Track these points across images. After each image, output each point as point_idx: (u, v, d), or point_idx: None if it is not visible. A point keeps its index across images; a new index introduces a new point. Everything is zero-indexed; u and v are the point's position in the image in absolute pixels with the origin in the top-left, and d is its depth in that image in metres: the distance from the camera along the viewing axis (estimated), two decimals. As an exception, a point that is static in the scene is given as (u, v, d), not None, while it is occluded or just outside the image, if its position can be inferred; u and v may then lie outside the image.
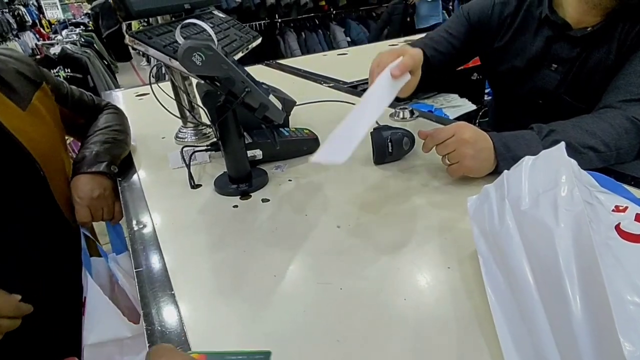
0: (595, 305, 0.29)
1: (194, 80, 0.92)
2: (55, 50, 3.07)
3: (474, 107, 1.78)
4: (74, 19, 5.40)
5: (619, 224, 0.37)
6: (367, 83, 1.40)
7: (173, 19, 0.81)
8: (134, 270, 0.53)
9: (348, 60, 1.84)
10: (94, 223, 0.81)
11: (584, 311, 0.30)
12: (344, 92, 1.26)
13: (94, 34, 4.62)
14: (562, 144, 0.44)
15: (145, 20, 0.83)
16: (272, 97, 0.65)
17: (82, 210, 0.75)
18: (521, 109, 0.94)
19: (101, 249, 0.78)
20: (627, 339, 0.25)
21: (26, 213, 0.72)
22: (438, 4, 3.79)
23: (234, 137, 0.69)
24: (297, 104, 0.92)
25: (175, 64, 0.67)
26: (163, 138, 1.02)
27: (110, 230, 0.80)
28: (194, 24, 0.68)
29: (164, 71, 1.54)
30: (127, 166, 0.87)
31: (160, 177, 0.81)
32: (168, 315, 0.46)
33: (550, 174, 0.41)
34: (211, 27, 0.64)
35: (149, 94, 1.51)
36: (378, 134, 0.75)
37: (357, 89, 1.35)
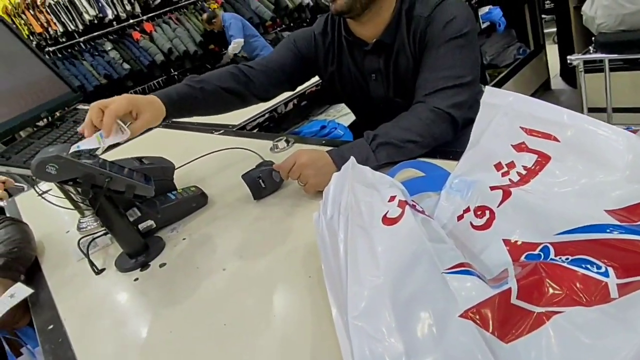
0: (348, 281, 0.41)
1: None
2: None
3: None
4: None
5: (387, 212, 0.50)
6: (254, 120, 1.52)
7: (35, 129, 0.87)
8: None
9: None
10: None
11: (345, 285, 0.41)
12: (234, 136, 1.36)
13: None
14: (352, 160, 0.57)
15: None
16: (137, 176, 0.73)
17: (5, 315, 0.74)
18: (372, 115, 1.10)
19: (27, 344, 0.81)
20: (353, 307, 0.37)
21: None
22: None
23: (115, 219, 0.76)
24: (177, 167, 1.01)
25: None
26: (67, 232, 1.06)
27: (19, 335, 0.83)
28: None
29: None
30: (33, 271, 0.90)
31: (65, 273, 0.86)
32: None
33: (341, 186, 0.54)
34: (74, 124, 0.72)
35: (51, 189, 1.52)
36: (248, 175, 0.86)
37: (246, 129, 1.46)
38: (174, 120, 1.92)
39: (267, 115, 1.56)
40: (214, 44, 4.25)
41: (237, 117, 1.56)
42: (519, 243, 0.40)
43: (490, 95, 0.50)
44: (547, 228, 0.39)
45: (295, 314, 0.54)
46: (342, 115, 1.93)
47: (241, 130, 1.43)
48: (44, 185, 1.03)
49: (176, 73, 4.13)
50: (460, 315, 0.28)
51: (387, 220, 0.48)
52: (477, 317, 0.28)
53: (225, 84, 0.95)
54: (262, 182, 0.86)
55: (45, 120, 0.89)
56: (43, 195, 0.92)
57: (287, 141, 1.12)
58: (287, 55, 1.04)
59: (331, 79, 1.08)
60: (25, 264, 0.88)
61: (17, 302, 0.72)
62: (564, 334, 0.27)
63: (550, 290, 0.27)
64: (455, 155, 0.80)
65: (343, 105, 2.02)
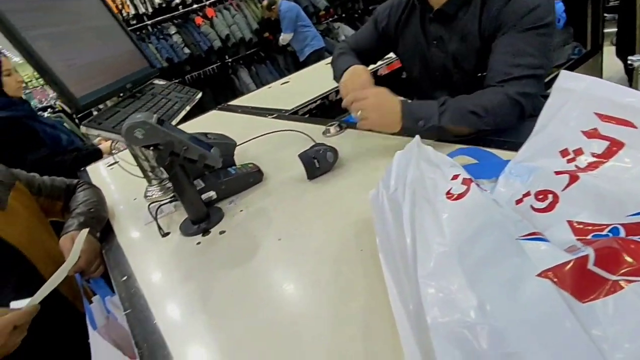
0: (414, 255, 0.43)
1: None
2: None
3: (411, 102, 1.95)
4: (40, 104, 5.49)
5: (450, 189, 0.51)
6: (306, 106, 1.57)
7: (119, 98, 0.95)
8: (123, 313, 0.66)
9: (289, 88, 2.01)
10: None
11: (410, 258, 0.43)
12: (285, 120, 1.41)
13: (62, 114, 4.74)
14: (417, 138, 0.59)
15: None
16: (212, 149, 0.79)
17: (81, 259, 0.82)
18: (428, 88, 1.13)
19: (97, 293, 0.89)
20: (422, 267, 0.39)
21: (14, 292, 0.83)
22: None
23: (186, 186, 0.82)
24: (237, 144, 1.06)
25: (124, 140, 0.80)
26: (135, 199, 1.15)
27: (92, 285, 0.91)
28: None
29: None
30: (106, 231, 1.00)
31: (135, 234, 0.94)
32: (154, 339, 0.58)
33: (406, 161, 0.56)
34: (152, 97, 0.79)
35: (117, 162, 1.65)
36: (304, 154, 0.90)
37: (298, 113, 1.50)
38: (229, 103, 2.02)
39: (318, 102, 1.60)
40: (269, 31, 4.34)
41: (289, 102, 1.61)
42: (585, 223, 0.41)
43: (565, 79, 0.50)
44: (618, 210, 0.39)
45: (348, 283, 0.57)
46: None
47: (293, 115, 1.47)
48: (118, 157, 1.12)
49: (230, 60, 4.27)
50: (538, 275, 0.30)
51: (452, 196, 0.50)
52: (555, 277, 0.29)
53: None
54: (317, 162, 0.90)
55: (127, 92, 0.97)
56: (118, 163, 1.01)
57: (340, 126, 1.15)
58: (371, 34, 1.19)
59: (396, 43, 1.14)
60: (100, 224, 0.98)
61: (81, 241, 0.79)
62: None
63: (628, 260, 0.28)
64: (510, 145, 0.80)
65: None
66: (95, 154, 1.70)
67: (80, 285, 0.87)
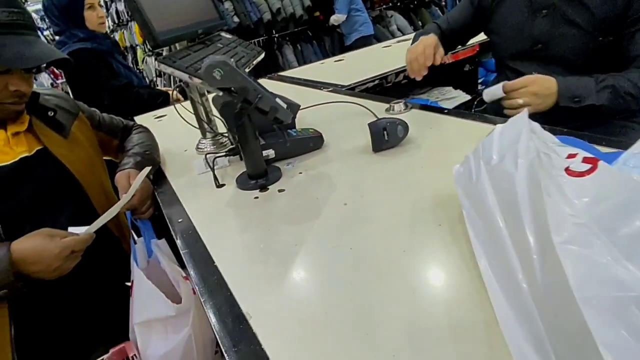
0: (540, 222, 0.39)
1: (210, 96, 1.04)
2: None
3: (468, 97, 1.87)
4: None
5: (569, 166, 0.46)
6: (364, 84, 1.52)
7: (189, 44, 0.93)
8: (182, 252, 0.64)
9: (344, 66, 1.95)
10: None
11: (534, 226, 0.39)
12: (343, 94, 1.37)
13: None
14: (525, 113, 0.54)
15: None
16: (279, 101, 0.76)
17: (135, 197, 0.81)
18: (521, 62, 1.07)
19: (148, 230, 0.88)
20: (557, 234, 0.35)
21: (67, 218, 0.83)
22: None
23: (251, 139, 0.79)
24: (301, 107, 1.03)
25: (196, 81, 0.78)
26: (185, 151, 1.14)
27: (139, 224, 0.90)
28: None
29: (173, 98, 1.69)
30: (158, 176, 0.98)
31: (188, 182, 0.93)
32: (213, 282, 0.56)
33: (514, 134, 0.51)
34: (220, 47, 0.76)
35: (165, 115, 1.64)
36: (374, 124, 0.85)
37: (355, 90, 1.45)
38: (279, 74, 1.98)
39: (376, 82, 1.54)
40: (320, 10, 4.26)
41: (345, 79, 1.56)
42: None
43: None
44: None
45: (428, 257, 0.53)
46: (446, 99, 1.86)
47: (351, 90, 1.43)
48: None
49: (277, 35, 4.22)
50: None
51: (573, 173, 0.45)
52: None
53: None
54: (386, 135, 0.85)
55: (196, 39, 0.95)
56: (176, 109, 0.99)
57: (406, 105, 1.10)
58: (465, 10, 1.17)
59: (489, 19, 1.11)
60: (154, 167, 0.96)
61: (141, 178, 0.78)
62: None
63: None
64: (608, 142, 0.74)
65: (449, 88, 1.95)
66: (166, 97, 1.73)
67: (129, 222, 0.86)
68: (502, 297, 0.42)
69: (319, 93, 1.46)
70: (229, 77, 0.70)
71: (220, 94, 0.81)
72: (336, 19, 3.97)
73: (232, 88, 0.72)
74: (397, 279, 0.50)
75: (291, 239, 0.63)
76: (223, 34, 1.12)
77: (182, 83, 0.96)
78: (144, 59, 8.11)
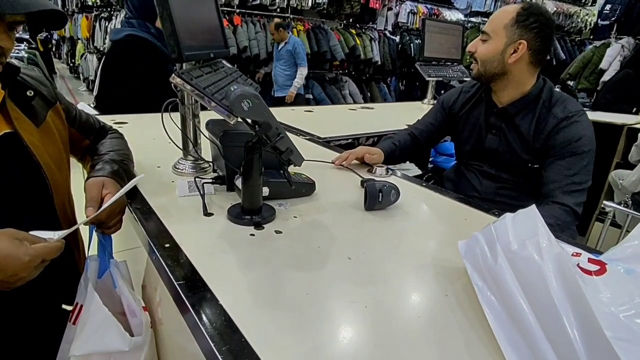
0: (582, 316, 0.43)
1: (203, 119, 1.00)
2: None
3: (419, 171, 2.03)
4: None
5: (578, 263, 0.53)
6: (337, 140, 1.57)
7: (196, 64, 0.90)
8: (176, 283, 0.58)
9: (315, 117, 2.03)
10: None
11: (575, 321, 0.43)
12: (321, 146, 1.41)
13: (37, 52, 4.38)
14: (534, 206, 0.61)
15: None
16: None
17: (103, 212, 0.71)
18: (474, 160, 1.35)
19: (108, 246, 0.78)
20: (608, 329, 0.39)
21: (26, 220, 0.71)
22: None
23: (256, 173, 0.77)
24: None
25: (212, 105, 0.75)
26: (159, 167, 1.06)
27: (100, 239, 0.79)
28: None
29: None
30: (132, 189, 0.89)
31: (168, 203, 0.85)
32: (223, 323, 0.51)
33: (530, 226, 0.57)
34: (225, 75, 0.75)
35: (127, 123, 1.52)
36: (371, 184, 0.89)
37: (330, 143, 1.51)
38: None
39: (350, 141, 1.62)
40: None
41: (319, 130, 1.62)
42: None
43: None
44: None
45: (444, 328, 0.55)
46: (401, 169, 1.99)
47: (326, 143, 1.47)
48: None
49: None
50: None
51: (585, 271, 0.51)
52: None
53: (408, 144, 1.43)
54: (381, 196, 0.89)
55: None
56: (165, 128, 0.93)
57: (387, 170, 1.16)
58: (438, 113, 1.43)
59: (458, 120, 1.36)
60: (129, 178, 0.87)
61: (133, 184, 0.72)
62: None
63: None
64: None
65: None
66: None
67: (90, 235, 0.75)
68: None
69: (297, 139, 1.48)
70: (256, 111, 0.69)
71: (232, 122, 0.80)
72: (303, 74, 4.09)
73: (257, 121, 0.71)
74: (421, 344, 0.51)
75: (301, 287, 0.60)
76: (224, 62, 1.11)
77: (178, 100, 0.92)
78: (83, 54, 7.53)
